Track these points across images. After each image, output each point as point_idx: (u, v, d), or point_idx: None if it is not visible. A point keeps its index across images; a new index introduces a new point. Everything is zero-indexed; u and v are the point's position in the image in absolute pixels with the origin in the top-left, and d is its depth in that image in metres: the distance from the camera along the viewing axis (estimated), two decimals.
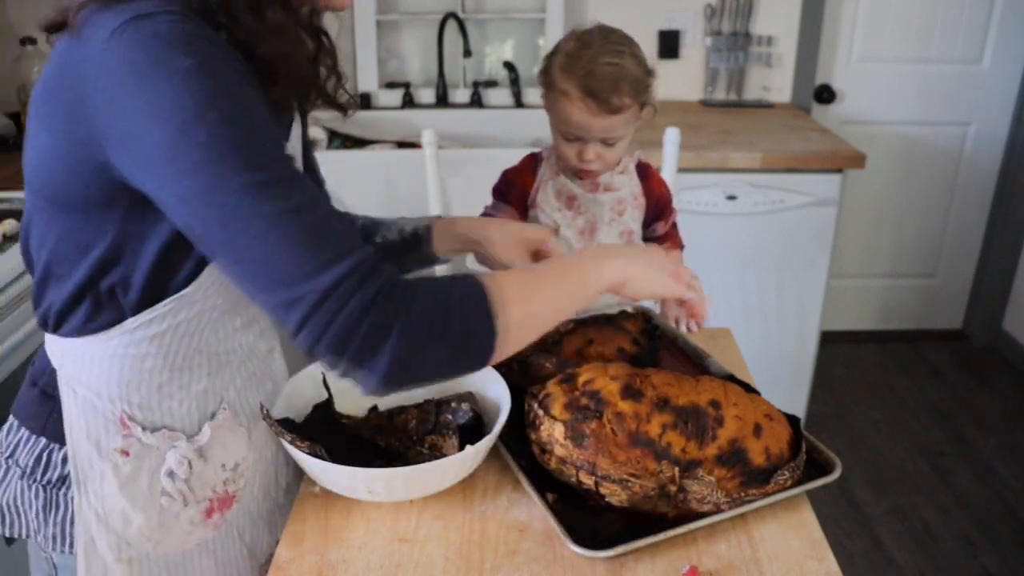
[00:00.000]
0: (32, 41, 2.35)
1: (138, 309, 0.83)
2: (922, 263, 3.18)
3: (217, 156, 0.69)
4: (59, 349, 0.87)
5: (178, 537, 0.92)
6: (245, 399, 0.97)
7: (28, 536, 0.92)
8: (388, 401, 1.08)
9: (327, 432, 1.00)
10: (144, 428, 0.88)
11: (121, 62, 0.69)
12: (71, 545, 0.90)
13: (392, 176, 2.15)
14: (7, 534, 0.93)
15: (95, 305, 0.83)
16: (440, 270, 1.55)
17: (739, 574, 0.87)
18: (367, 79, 2.68)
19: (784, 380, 2.55)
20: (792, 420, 1.02)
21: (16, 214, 1.73)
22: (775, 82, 2.83)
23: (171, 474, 0.89)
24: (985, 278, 3.15)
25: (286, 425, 0.97)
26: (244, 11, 0.75)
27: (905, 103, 2.91)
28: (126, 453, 0.87)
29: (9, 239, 1.62)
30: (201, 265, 0.82)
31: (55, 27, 0.76)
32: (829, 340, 3.13)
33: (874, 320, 3.27)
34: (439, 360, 0.76)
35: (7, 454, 0.91)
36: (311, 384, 1.06)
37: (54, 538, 0.90)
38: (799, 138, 2.41)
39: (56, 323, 0.86)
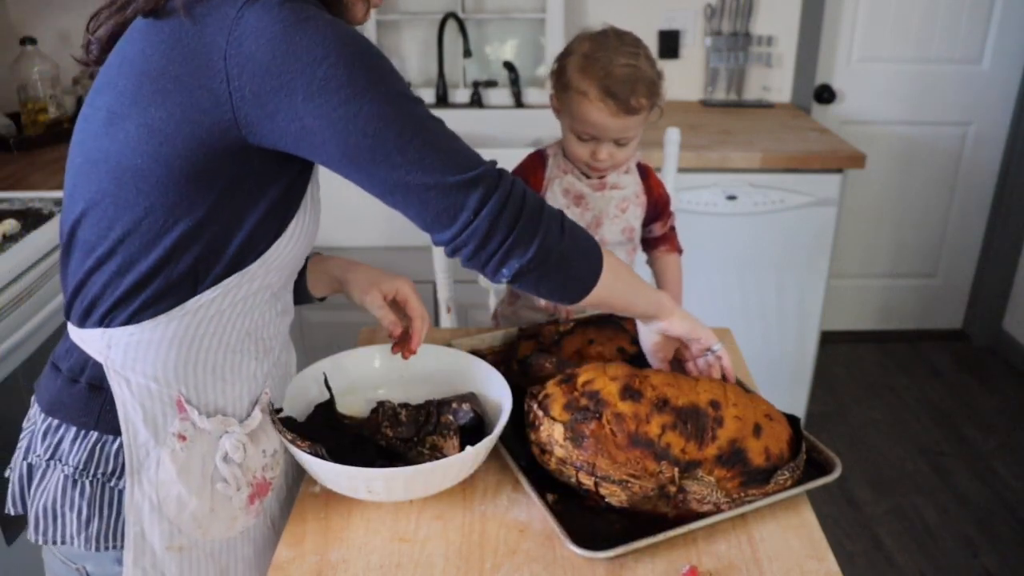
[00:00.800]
0: (32, 41, 2.35)
1: (209, 287, 0.85)
2: (922, 263, 3.18)
3: (379, 80, 0.78)
4: (104, 342, 0.87)
5: (225, 523, 0.93)
6: (279, 386, 1.00)
7: (64, 542, 0.91)
8: (391, 398, 1.09)
9: (328, 432, 1.00)
10: (200, 412, 0.90)
11: (260, 30, 0.75)
12: (115, 541, 0.90)
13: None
14: (39, 540, 0.91)
15: (165, 286, 0.84)
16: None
17: (739, 574, 0.87)
18: None
19: (784, 380, 2.55)
20: (792, 420, 1.02)
21: (16, 214, 1.73)
22: (775, 82, 2.83)
23: (227, 458, 0.91)
24: (985, 278, 3.15)
25: (288, 424, 0.97)
26: (335, 5, 0.85)
27: (905, 103, 2.91)
28: (183, 438, 0.89)
29: (9, 239, 1.62)
30: (270, 242, 0.86)
31: (150, 11, 0.80)
32: (829, 340, 3.13)
33: (874, 320, 3.27)
34: (564, 268, 0.90)
35: (47, 456, 0.90)
36: (313, 384, 1.06)
37: (97, 537, 0.90)
38: (799, 138, 2.41)
39: (105, 313, 0.86)
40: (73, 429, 0.89)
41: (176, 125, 0.78)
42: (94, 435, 0.89)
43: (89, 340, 0.88)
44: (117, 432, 0.88)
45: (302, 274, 1.13)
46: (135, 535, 0.89)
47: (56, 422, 0.90)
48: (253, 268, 0.86)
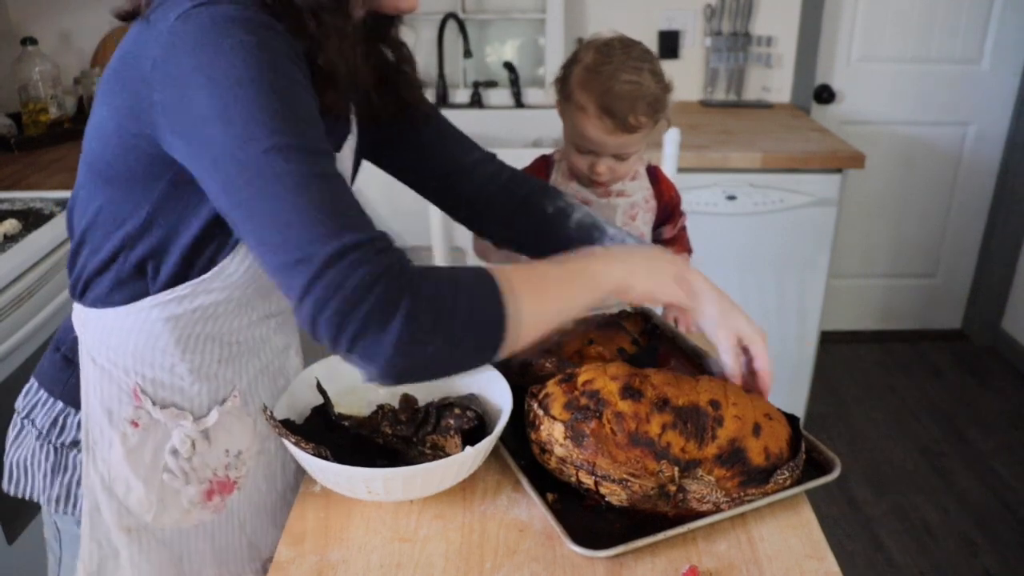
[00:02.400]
0: (32, 41, 2.35)
1: (161, 288, 0.86)
2: (922, 263, 3.18)
3: (254, 117, 0.70)
4: (83, 317, 0.91)
5: (176, 514, 0.94)
6: (256, 390, 0.99)
7: (32, 496, 0.95)
8: (392, 399, 1.09)
9: (327, 433, 1.00)
10: (154, 403, 0.91)
11: (182, 38, 0.72)
12: (74, 507, 0.94)
13: (392, 176, 2.15)
14: (12, 492, 0.96)
15: (119, 277, 0.87)
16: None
17: (739, 574, 0.87)
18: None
19: (784, 380, 2.55)
20: (791, 420, 1.02)
21: (17, 214, 1.73)
22: (775, 82, 2.83)
23: (175, 452, 0.93)
24: (985, 278, 3.15)
25: (288, 426, 0.97)
26: (307, 15, 0.78)
27: (905, 103, 2.91)
28: (135, 424, 0.91)
29: (9, 239, 1.62)
30: (222, 253, 0.86)
31: (126, 16, 0.81)
32: (829, 340, 3.13)
33: (874, 320, 3.27)
34: (448, 345, 0.73)
35: (23, 414, 0.95)
36: (310, 387, 1.06)
37: (58, 499, 0.94)
38: (799, 138, 2.41)
39: (83, 290, 0.90)
40: (44, 393, 0.94)
41: (115, 125, 0.79)
42: (59, 404, 0.93)
43: (76, 313, 0.92)
44: (79, 406, 0.91)
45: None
46: (90, 508, 0.92)
47: (36, 384, 0.96)
48: (208, 279, 0.86)
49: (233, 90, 0.70)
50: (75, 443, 0.93)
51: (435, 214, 1.72)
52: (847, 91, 2.89)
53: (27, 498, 0.96)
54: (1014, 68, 2.89)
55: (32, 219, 1.71)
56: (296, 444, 0.92)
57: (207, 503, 0.96)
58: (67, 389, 0.93)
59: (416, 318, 0.70)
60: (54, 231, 1.69)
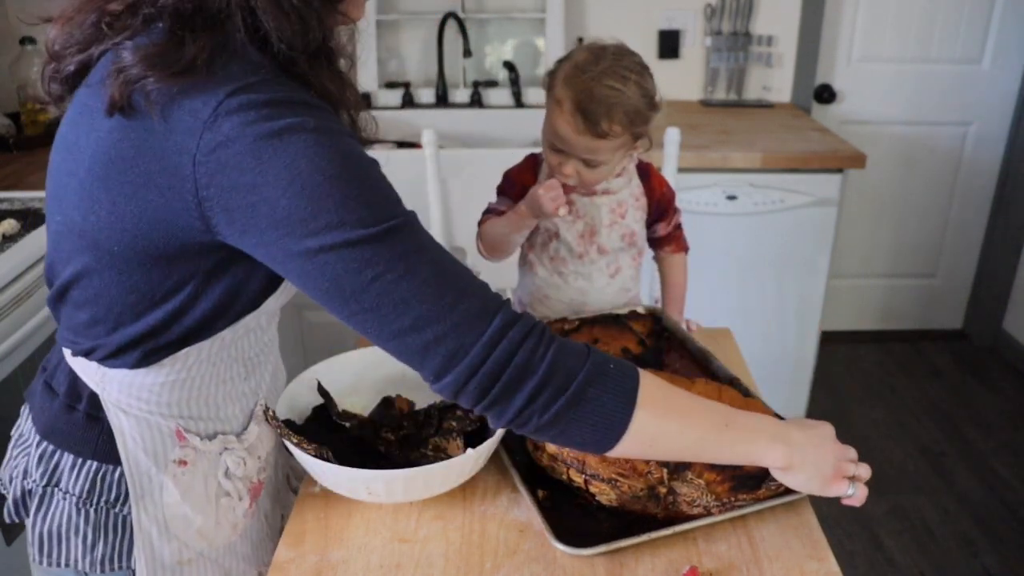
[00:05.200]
0: (32, 41, 2.35)
1: (202, 339, 0.84)
2: (922, 263, 3.18)
3: (348, 211, 0.70)
4: (99, 376, 0.85)
5: (228, 531, 0.94)
6: (272, 391, 1.01)
7: (70, 564, 0.90)
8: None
9: (328, 434, 1.00)
10: (200, 437, 0.89)
11: (232, 137, 0.68)
12: (120, 562, 0.89)
13: (392, 176, 2.14)
14: (44, 563, 0.90)
15: (154, 347, 0.82)
16: None
17: (739, 574, 0.86)
18: (367, 79, 2.68)
19: (784, 380, 2.55)
20: None
21: (16, 214, 1.73)
22: (775, 82, 2.83)
23: (228, 474, 0.92)
24: (985, 278, 3.15)
25: (290, 427, 0.97)
26: (321, 62, 0.77)
27: (905, 103, 2.91)
28: (183, 463, 0.88)
29: (9, 239, 1.62)
30: (266, 295, 0.84)
31: (116, 108, 0.72)
32: (829, 340, 3.13)
33: (874, 320, 3.27)
34: (566, 421, 0.77)
35: (44, 483, 0.88)
36: (310, 388, 1.06)
37: (103, 560, 0.89)
38: (799, 138, 2.41)
39: (103, 358, 0.84)
40: (71, 456, 0.87)
41: (149, 223, 0.74)
42: (93, 464, 0.87)
43: (84, 369, 0.86)
44: (117, 461, 0.87)
45: None
46: (146, 557, 0.88)
47: (52, 448, 0.88)
48: (247, 319, 0.85)
49: (317, 193, 0.69)
50: (118, 499, 0.88)
51: (435, 214, 1.72)
52: (848, 91, 2.89)
53: (64, 567, 0.90)
54: (1015, 68, 2.88)
55: (31, 219, 1.71)
56: (297, 445, 0.92)
57: (249, 511, 0.96)
58: (100, 446, 0.87)
59: (544, 391, 0.75)
60: None
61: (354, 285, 0.71)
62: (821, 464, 0.87)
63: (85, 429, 0.87)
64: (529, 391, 0.74)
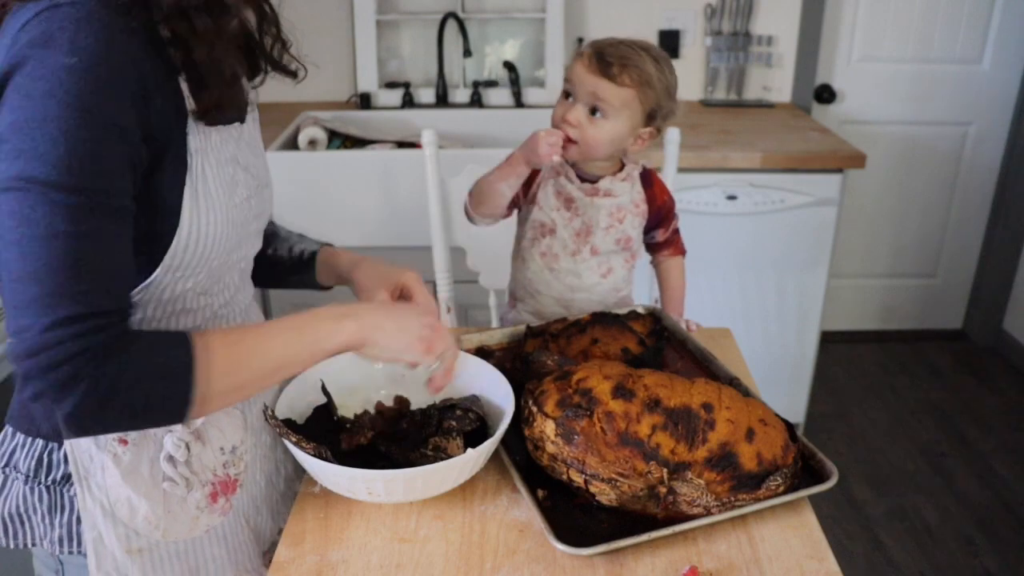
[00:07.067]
0: None
1: None
2: (922, 263, 3.18)
3: (37, 156, 0.69)
4: None
5: (186, 523, 0.92)
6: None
7: (34, 544, 0.91)
8: (387, 400, 1.08)
9: (328, 434, 1.00)
10: None
11: (15, 56, 0.70)
12: (79, 544, 0.90)
13: (392, 176, 2.15)
14: (11, 545, 0.91)
15: None
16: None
17: (739, 574, 0.87)
18: (367, 79, 2.68)
19: (784, 380, 2.55)
20: (789, 426, 1.02)
21: None
22: (775, 82, 2.83)
23: (170, 459, 0.90)
24: (985, 278, 3.15)
25: (290, 426, 0.97)
26: (174, 15, 0.75)
27: (905, 103, 2.91)
28: (124, 442, 0.88)
29: None
30: (164, 249, 0.82)
31: None
32: (829, 340, 3.13)
33: (874, 320, 3.27)
34: (121, 417, 0.76)
35: (3, 463, 0.91)
36: (312, 387, 1.06)
37: (60, 540, 0.90)
38: (799, 138, 2.41)
39: None
40: (20, 436, 0.89)
41: None
42: (40, 442, 0.88)
43: None
44: (61, 439, 0.87)
45: (311, 266, 1.11)
46: (93, 540, 0.88)
47: (10, 430, 0.91)
48: (158, 277, 0.83)
49: (28, 126, 0.69)
50: (66, 478, 0.88)
51: (435, 214, 1.72)
52: (848, 91, 2.89)
53: (29, 546, 0.91)
54: (1015, 68, 2.88)
55: None
56: (296, 444, 0.92)
57: (213, 506, 0.94)
58: (44, 424, 0.88)
59: (87, 401, 0.72)
60: None
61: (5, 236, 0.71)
62: (401, 333, 0.92)
63: (31, 407, 0.88)
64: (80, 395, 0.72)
